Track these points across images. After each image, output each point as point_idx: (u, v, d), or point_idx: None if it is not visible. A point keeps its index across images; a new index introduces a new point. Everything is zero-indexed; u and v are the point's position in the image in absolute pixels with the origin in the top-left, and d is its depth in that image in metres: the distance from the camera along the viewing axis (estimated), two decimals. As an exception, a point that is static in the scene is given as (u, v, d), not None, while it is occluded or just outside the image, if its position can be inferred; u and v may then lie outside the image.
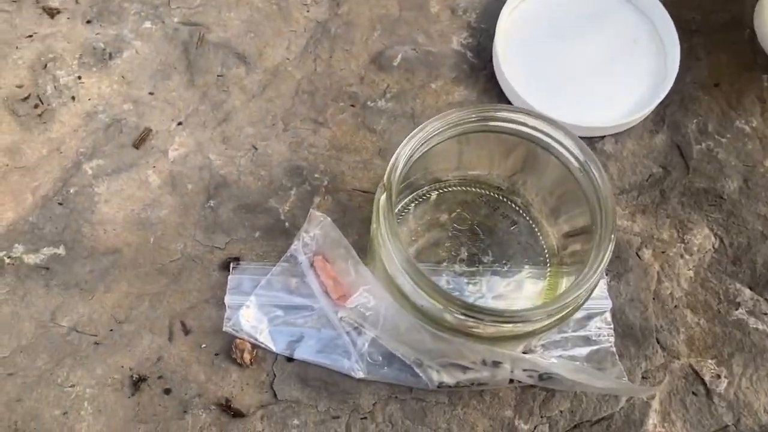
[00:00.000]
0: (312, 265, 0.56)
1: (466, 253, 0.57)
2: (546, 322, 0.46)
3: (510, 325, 0.45)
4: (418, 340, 0.50)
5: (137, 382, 0.54)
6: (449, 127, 0.49)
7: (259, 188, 0.61)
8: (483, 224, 0.57)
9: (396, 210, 0.50)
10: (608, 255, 0.46)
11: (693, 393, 0.57)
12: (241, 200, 0.60)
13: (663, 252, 0.61)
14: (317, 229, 0.56)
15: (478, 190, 0.59)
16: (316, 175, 0.61)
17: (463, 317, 0.44)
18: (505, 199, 0.58)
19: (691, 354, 0.58)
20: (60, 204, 0.59)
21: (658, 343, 0.58)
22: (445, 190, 0.58)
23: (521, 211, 0.58)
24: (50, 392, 0.53)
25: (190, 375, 0.54)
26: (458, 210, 0.57)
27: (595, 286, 0.46)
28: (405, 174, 0.48)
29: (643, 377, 0.57)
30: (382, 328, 0.52)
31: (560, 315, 0.46)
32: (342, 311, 0.55)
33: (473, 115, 0.49)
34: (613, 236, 0.46)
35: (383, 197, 0.46)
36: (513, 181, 0.58)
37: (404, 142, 0.47)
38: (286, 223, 0.59)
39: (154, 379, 0.54)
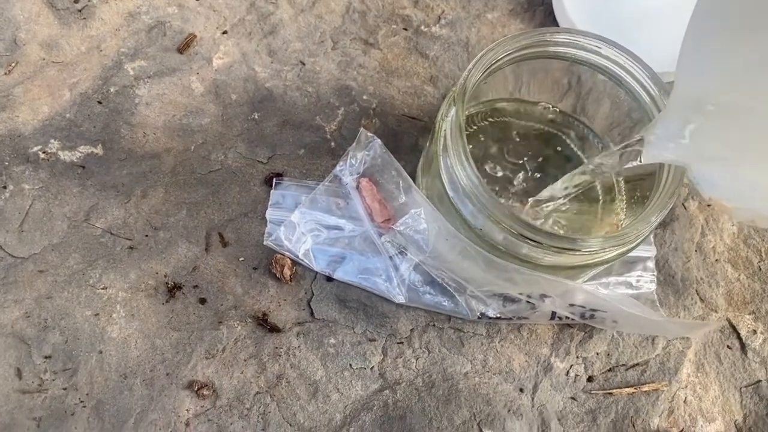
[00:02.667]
0: (357, 187, 0.55)
1: (515, 188, 0.55)
2: (606, 255, 0.45)
3: (570, 253, 0.44)
4: (468, 266, 0.49)
5: (172, 290, 0.52)
6: (521, 49, 0.47)
7: (306, 105, 0.59)
8: (538, 157, 0.55)
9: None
10: (677, 192, 0.45)
11: (728, 346, 0.56)
12: (286, 115, 0.58)
13: (708, 205, 0.60)
14: (365, 149, 0.55)
15: (533, 123, 0.57)
16: (364, 97, 0.60)
17: (525, 241, 0.43)
18: (559, 133, 0.57)
19: (728, 308, 0.57)
20: (99, 103, 0.57)
21: (698, 294, 0.57)
22: (503, 118, 0.56)
23: (575, 147, 0.56)
24: (82, 292, 0.52)
25: (226, 287, 0.53)
26: (515, 140, 0.56)
27: (660, 220, 0.44)
28: (472, 92, 0.46)
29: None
30: (431, 253, 0.51)
31: (622, 247, 0.45)
32: (386, 235, 0.53)
33: (546, 38, 0.47)
34: (684, 173, 0.45)
35: (453, 112, 0.45)
36: (571, 114, 0.56)
37: (479, 56, 0.45)
38: (332, 143, 0.58)
39: (189, 287, 0.53)
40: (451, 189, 0.47)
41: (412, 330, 0.53)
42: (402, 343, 0.53)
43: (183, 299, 0.52)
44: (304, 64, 0.60)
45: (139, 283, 0.52)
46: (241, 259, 0.54)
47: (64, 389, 0.49)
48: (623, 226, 0.52)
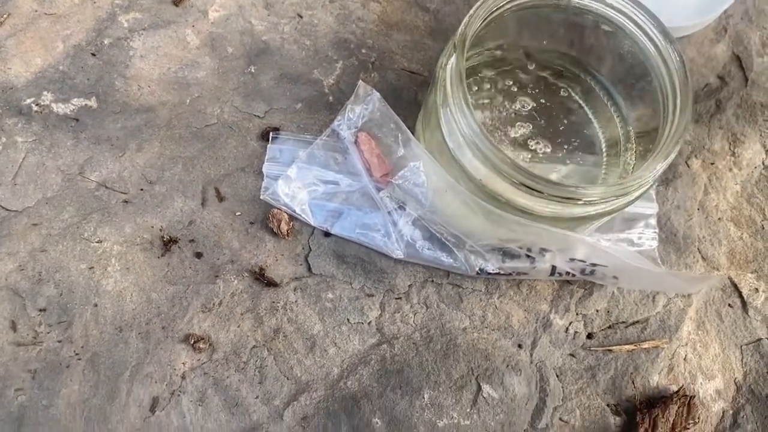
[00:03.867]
0: (356, 141, 0.54)
1: (518, 137, 0.54)
2: (608, 205, 0.44)
3: (571, 203, 0.43)
4: (467, 219, 0.49)
5: (167, 243, 0.52)
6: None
7: (303, 58, 0.58)
8: (540, 108, 0.54)
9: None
10: (680, 142, 0.44)
11: (729, 305, 0.56)
12: (283, 69, 0.57)
13: (712, 163, 0.60)
14: (364, 103, 0.54)
15: (538, 72, 0.56)
16: (363, 51, 0.58)
17: (526, 190, 0.42)
18: (564, 84, 0.56)
19: (730, 267, 0.57)
20: (93, 55, 0.56)
21: (699, 252, 0.57)
22: (503, 68, 0.55)
23: (580, 99, 0.55)
24: (76, 246, 0.51)
25: (222, 241, 0.52)
26: (515, 90, 0.55)
27: (663, 169, 0.44)
28: (472, 41, 0.45)
29: (681, 285, 0.56)
30: (430, 207, 0.50)
31: (624, 200, 0.44)
32: (385, 189, 0.53)
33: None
34: (689, 122, 0.44)
35: (453, 59, 0.44)
36: (576, 66, 0.55)
37: (479, 2, 0.44)
38: (330, 97, 0.57)
39: (185, 242, 0.52)
40: (451, 140, 0.46)
41: (410, 285, 0.53)
42: (400, 298, 0.52)
43: (179, 253, 0.52)
44: (301, 17, 0.59)
45: (134, 237, 0.52)
46: (237, 214, 0.53)
47: (59, 342, 0.49)
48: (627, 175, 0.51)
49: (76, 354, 0.49)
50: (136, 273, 0.51)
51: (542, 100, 0.55)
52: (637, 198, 0.45)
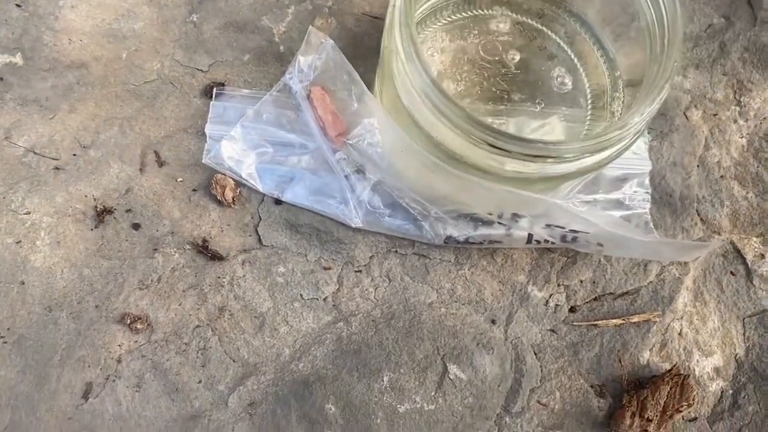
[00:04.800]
0: (309, 96, 0.48)
1: (493, 89, 0.48)
2: (581, 163, 0.38)
3: (539, 161, 0.37)
4: (428, 183, 0.43)
5: (101, 214, 0.47)
6: None
7: (251, 3, 0.52)
8: (516, 56, 0.48)
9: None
10: (668, 83, 0.38)
11: (731, 272, 0.50)
12: (229, 16, 0.51)
13: (714, 114, 0.53)
14: (316, 52, 0.48)
15: (515, 15, 0.50)
16: (333, -6, 0.52)
17: (488, 148, 0.36)
18: (544, 28, 0.49)
19: (733, 230, 0.51)
20: (18, 6, 0.50)
21: (698, 215, 0.51)
22: (474, 12, 0.49)
23: (563, 44, 0.49)
24: (2, 218, 0.46)
25: (162, 210, 0.47)
26: (488, 37, 0.48)
27: (644, 125, 0.38)
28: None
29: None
30: (387, 169, 0.44)
31: (600, 156, 0.38)
32: (341, 151, 0.47)
33: None
34: (676, 63, 0.38)
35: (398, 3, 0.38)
36: (559, 5, 0.49)
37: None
38: (281, 47, 0.51)
39: (121, 212, 0.47)
40: (404, 92, 0.40)
41: (371, 257, 0.47)
42: (360, 271, 0.47)
43: (114, 224, 0.47)
44: (250, -42, 0.53)
45: (66, 208, 0.47)
46: (179, 180, 0.48)
47: (-17, 324, 0.45)
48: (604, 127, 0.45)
49: (1, 337, 0.44)
50: (68, 247, 0.46)
51: (519, 47, 0.48)
52: (617, 154, 0.39)
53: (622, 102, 0.47)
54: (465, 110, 0.36)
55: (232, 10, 0.51)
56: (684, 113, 0.53)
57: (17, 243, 0.46)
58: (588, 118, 0.48)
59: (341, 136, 0.47)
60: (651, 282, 0.49)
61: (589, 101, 0.49)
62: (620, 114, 0.46)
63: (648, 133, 0.51)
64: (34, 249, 0.46)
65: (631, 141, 0.39)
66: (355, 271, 0.47)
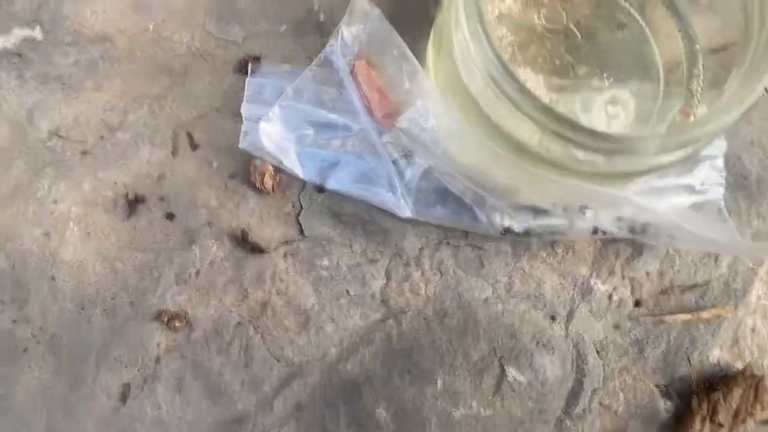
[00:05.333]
0: (352, 71, 0.44)
1: (557, 61, 0.44)
2: (662, 160, 0.34)
3: (620, 156, 0.33)
4: (486, 172, 0.39)
5: (134, 203, 0.44)
6: None
7: (288, -32, 0.47)
8: (582, 24, 0.43)
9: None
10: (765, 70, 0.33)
11: (810, 262, 0.46)
12: (264, -18, 0.47)
13: None
14: (360, 23, 0.43)
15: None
16: (363, -44, 0.47)
17: (562, 142, 0.32)
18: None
19: (815, 215, 0.47)
20: (33, -27, 0.46)
21: (776, 199, 0.47)
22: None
23: (634, 10, 0.44)
24: (28, 208, 0.44)
25: (198, 199, 0.44)
26: (550, 3, 0.43)
27: (739, 118, 0.33)
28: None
29: (752, 238, 0.46)
30: (441, 156, 0.40)
31: (687, 150, 0.34)
32: (388, 134, 0.43)
33: None
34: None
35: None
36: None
37: None
38: (321, 16, 0.46)
39: (154, 200, 0.44)
40: (466, 73, 0.36)
41: (421, 249, 0.44)
42: (409, 264, 0.44)
43: (147, 214, 0.44)
44: None
45: (95, 196, 0.44)
46: (214, 165, 0.45)
47: (14, 322, 0.42)
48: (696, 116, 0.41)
49: (34, 336, 0.42)
50: (99, 239, 0.43)
51: (585, 14, 0.44)
52: (703, 148, 0.35)
53: (702, 79, 0.42)
54: (541, 101, 0.32)
55: (267, -25, 0.46)
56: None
57: (45, 235, 0.43)
58: (661, 94, 0.44)
59: (389, 118, 0.43)
60: (722, 274, 0.45)
61: (662, 76, 0.44)
62: (700, 93, 0.42)
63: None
64: (64, 241, 0.43)
65: (718, 135, 0.35)
66: (404, 264, 0.44)
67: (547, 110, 0.32)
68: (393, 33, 0.42)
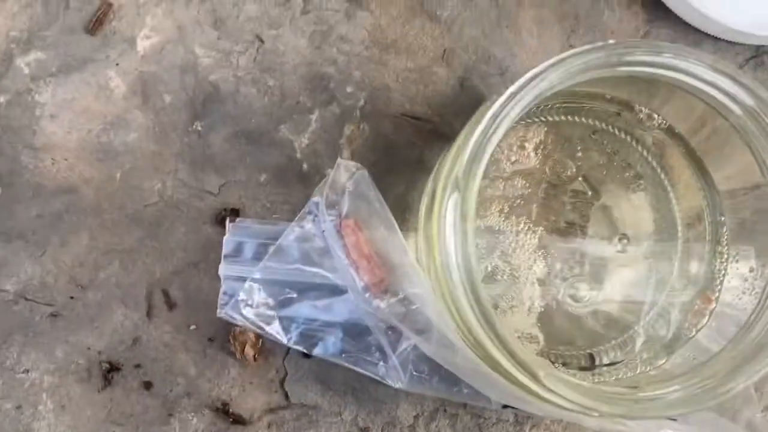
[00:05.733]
0: (338, 232, 0.40)
1: (562, 221, 0.40)
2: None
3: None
4: (473, 377, 0.36)
5: (108, 372, 0.41)
6: (573, 75, 0.30)
7: (266, 107, 0.42)
8: (593, 176, 0.39)
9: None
10: None
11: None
12: (239, 124, 0.42)
13: None
14: (348, 184, 0.39)
15: (591, 121, 0.40)
16: (348, 89, 0.42)
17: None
18: (629, 139, 0.39)
19: None
20: (-13, 118, 0.42)
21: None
22: (542, 118, 0.39)
23: (651, 159, 0.39)
24: (-2, 378, 0.41)
25: (175, 366, 0.41)
26: (558, 151, 0.39)
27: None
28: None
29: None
30: (435, 351, 0.37)
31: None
32: (378, 301, 0.39)
33: (612, 58, 0.29)
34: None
35: (452, 200, 0.29)
36: (645, 114, 0.39)
37: (492, 110, 0.28)
38: (304, 164, 0.42)
39: (129, 367, 0.41)
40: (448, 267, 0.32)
41: (416, 416, 0.41)
42: (403, 434, 0.41)
43: (123, 384, 0.41)
44: (262, 41, 0.43)
45: (68, 363, 0.41)
46: (192, 328, 0.42)
47: (-11, 504, 0.40)
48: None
49: None
50: (73, 412, 0.41)
51: (597, 165, 0.39)
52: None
53: (726, 230, 0.38)
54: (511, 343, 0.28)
55: (243, 115, 0.42)
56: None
57: (17, 408, 0.41)
58: (679, 252, 0.40)
59: (379, 285, 0.39)
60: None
61: (679, 231, 0.40)
62: (726, 248, 0.38)
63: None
64: (37, 415, 0.41)
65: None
66: (398, 435, 0.41)
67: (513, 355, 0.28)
68: (383, 205, 0.38)
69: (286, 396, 0.41)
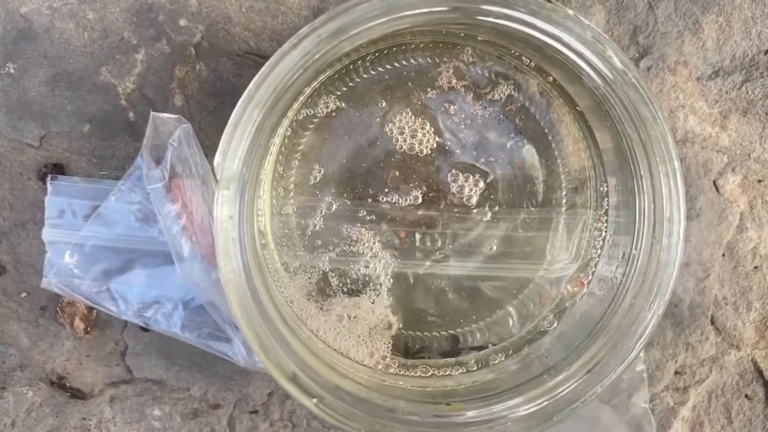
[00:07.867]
0: (169, 192, 0.35)
1: (422, 188, 0.34)
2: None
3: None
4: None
5: (-67, 343, 0.38)
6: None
7: (85, 45, 0.36)
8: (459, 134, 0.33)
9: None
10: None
11: (746, 396, 0.38)
12: (57, 66, 0.36)
13: (760, 181, 0.37)
14: (170, 139, 0.33)
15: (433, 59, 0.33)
16: (181, 22, 0.36)
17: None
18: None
19: (759, 342, 0.38)
20: None
21: (713, 324, 0.38)
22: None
23: (534, 110, 0.33)
24: None
25: (7, 336, 0.38)
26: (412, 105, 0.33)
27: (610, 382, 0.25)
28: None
29: (676, 373, 0.38)
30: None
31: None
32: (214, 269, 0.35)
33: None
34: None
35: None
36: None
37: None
38: (130, 113, 0.36)
39: (-43, 338, 0.38)
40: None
41: (270, 394, 0.38)
42: (256, 412, 0.38)
43: (-49, 355, 0.38)
44: (80, -37, 0.36)
45: None
46: (23, 295, 0.38)
47: None
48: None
49: None
50: None
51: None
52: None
53: (607, 206, 0.32)
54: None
55: (61, 56, 0.36)
56: (714, 183, 0.37)
57: None
58: (560, 229, 0.34)
59: (213, 253, 0.34)
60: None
61: (563, 199, 0.34)
62: (605, 229, 0.32)
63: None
64: None
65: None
66: (250, 412, 0.38)
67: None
68: (202, 158, 0.32)
69: (129, 370, 0.38)
